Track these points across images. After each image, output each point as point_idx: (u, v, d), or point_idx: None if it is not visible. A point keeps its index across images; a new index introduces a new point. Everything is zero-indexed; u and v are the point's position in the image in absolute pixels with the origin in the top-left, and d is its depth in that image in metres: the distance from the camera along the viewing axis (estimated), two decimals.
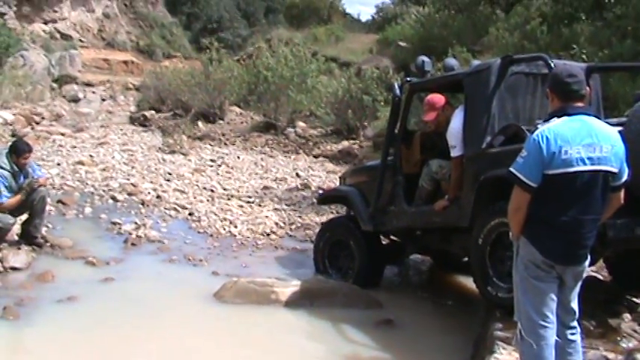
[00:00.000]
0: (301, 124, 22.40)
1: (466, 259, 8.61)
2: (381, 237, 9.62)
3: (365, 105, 19.85)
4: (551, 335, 4.90)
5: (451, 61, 8.85)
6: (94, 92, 36.55)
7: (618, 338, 6.83)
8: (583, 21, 18.21)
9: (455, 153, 7.88)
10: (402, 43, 27.71)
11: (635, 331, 7.03)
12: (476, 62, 8.76)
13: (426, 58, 8.77)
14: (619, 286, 8.34)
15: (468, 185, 7.78)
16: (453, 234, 8.38)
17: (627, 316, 7.40)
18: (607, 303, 7.70)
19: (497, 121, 7.60)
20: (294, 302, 8.40)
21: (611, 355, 6.37)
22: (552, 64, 7.00)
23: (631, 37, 16.05)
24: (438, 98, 8.56)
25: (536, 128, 6.79)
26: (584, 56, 15.42)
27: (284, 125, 22.15)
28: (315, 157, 19.53)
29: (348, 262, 9.44)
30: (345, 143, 19.79)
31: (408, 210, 8.66)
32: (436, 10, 28.30)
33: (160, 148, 19.75)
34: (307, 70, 23.16)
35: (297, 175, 16.79)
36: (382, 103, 19.35)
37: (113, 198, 13.55)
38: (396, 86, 8.92)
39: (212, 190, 14.55)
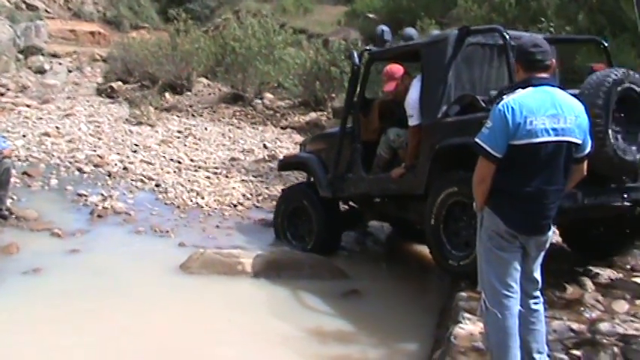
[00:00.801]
0: (269, 95, 22.31)
1: None
2: (340, 203, 9.70)
3: (332, 77, 19.78)
4: (514, 305, 4.93)
5: (410, 30, 8.87)
6: (60, 63, 36.03)
7: (582, 308, 6.90)
8: None
9: (412, 122, 7.99)
10: (370, 15, 27.62)
11: (598, 302, 7.11)
12: (435, 32, 8.81)
13: (385, 28, 8.85)
14: (569, 248, 8.67)
15: (424, 154, 7.90)
16: (409, 202, 8.49)
17: (591, 286, 7.48)
18: (571, 274, 7.78)
19: (453, 90, 7.74)
20: (261, 273, 8.44)
21: (574, 325, 6.42)
22: (507, 36, 7.15)
23: (597, 11, 16.13)
24: (396, 68, 8.65)
25: (491, 98, 6.91)
26: (551, 29, 15.47)
27: (251, 97, 22.05)
28: (283, 128, 19.48)
29: (307, 228, 9.56)
30: (313, 115, 19.73)
31: (366, 177, 8.78)
32: None
33: (127, 120, 19.57)
34: (275, 42, 23.02)
35: (265, 146, 16.76)
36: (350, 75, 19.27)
37: (79, 170, 13.49)
38: (355, 55, 9.00)
39: (179, 162, 14.51)
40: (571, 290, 7.35)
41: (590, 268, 7.94)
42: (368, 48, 9.21)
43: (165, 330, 6.89)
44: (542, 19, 16.21)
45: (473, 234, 6.77)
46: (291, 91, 21.38)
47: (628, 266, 8.41)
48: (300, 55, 21.72)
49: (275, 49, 22.85)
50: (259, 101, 21.86)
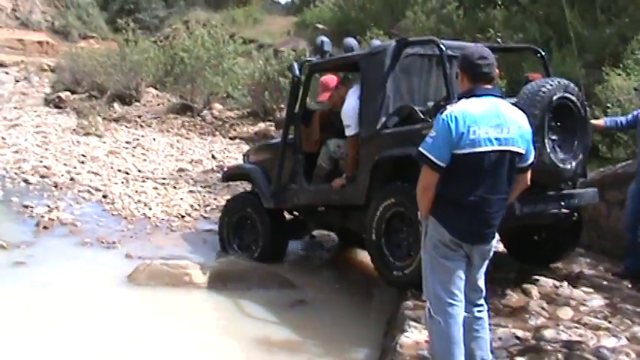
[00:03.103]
0: (218, 105, 22.26)
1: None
2: (285, 213, 9.73)
3: (281, 87, 19.80)
4: (459, 313, 4.97)
5: (350, 41, 8.93)
6: (7, 73, 35.59)
7: (527, 316, 6.98)
8: (499, 6, 18.48)
9: (349, 132, 8.07)
10: (319, 26, 27.70)
11: (543, 309, 7.19)
12: (376, 43, 8.88)
13: (325, 39, 8.93)
14: (514, 259, 8.82)
15: (364, 165, 7.96)
16: (351, 212, 8.56)
17: (536, 294, 7.57)
18: (517, 282, 7.86)
19: (391, 101, 7.80)
20: (208, 284, 8.45)
21: (519, 333, 6.49)
22: (443, 47, 7.25)
23: (544, 21, 16.36)
24: (330, 79, 8.85)
25: (428, 109, 7.00)
26: (498, 40, 15.64)
27: (200, 107, 21.99)
28: (232, 139, 19.44)
29: (253, 237, 9.56)
30: (262, 125, 19.74)
31: (308, 188, 8.83)
32: None
33: (74, 130, 19.40)
34: (224, 52, 22.99)
35: (213, 157, 16.72)
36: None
37: (25, 181, 13.35)
38: (295, 66, 9.04)
39: (127, 172, 14.42)
40: (516, 298, 7.43)
41: (536, 276, 8.03)
42: (308, 59, 9.31)
43: (111, 342, 6.82)
44: (490, 29, 16.39)
45: (414, 243, 6.86)
46: (239, 101, 21.40)
47: (573, 273, 8.55)
48: (249, 66, 21.70)
49: (224, 59, 22.82)
50: (208, 112, 21.79)
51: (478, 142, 4.75)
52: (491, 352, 5.43)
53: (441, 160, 4.77)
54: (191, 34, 24.76)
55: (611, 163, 10.44)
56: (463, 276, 5.00)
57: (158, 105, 23.69)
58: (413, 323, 6.30)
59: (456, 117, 4.76)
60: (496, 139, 4.80)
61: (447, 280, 4.94)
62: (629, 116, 8.74)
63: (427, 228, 5.02)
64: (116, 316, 7.49)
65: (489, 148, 4.78)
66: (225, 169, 11.90)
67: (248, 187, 11.41)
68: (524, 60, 13.65)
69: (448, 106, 4.94)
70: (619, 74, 11.63)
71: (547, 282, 7.92)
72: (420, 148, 4.86)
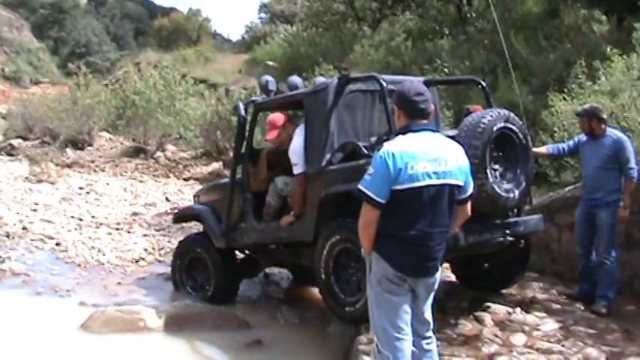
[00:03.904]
0: (171, 147, 22.28)
1: None
2: (237, 252, 9.74)
3: (233, 126, 19.76)
4: (407, 347, 5.00)
5: (294, 79, 9.01)
6: None
7: (480, 344, 7.03)
8: (446, 36, 18.70)
9: (297, 170, 8.14)
10: (270, 63, 27.87)
11: (497, 336, 7.26)
12: (320, 80, 8.95)
13: (270, 78, 9.02)
14: (463, 285, 8.96)
15: (310, 202, 8.03)
16: (301, 248, 8.59)
17: (489, 322, 7.63)
18: (470, 310, 7.92)
19: (336, 138, 7.89)
20: (163, 328, 8.36)
21: None
22: (384, 83, 7.38)
23: (489, 50, 16.58)
24: (278, 117, 8.86)
25: (371, 144, 7.08)
26: (445, 69, 15.85)
27: (154, 149, 21.98)
28: (186, 180, 19.41)
29: (205, 278, 9.56)
30: (215, 165, 19.74)
31: (257, 226, 8.86)
32: (304, 28, 28.62)
33: (26, 178, 19.20)
34: (176, 93, 23.00)
35: (167, 199, 16.66)
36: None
37: None
38: (241, 106, 9.10)
39: (80, 219, 14.28)
40: (470, 327, 7.49)
41: (489, 303, 8.09)
42: (253, 99, 9.36)
43: None
44: (437, 60, 16.57)
45: (363, 278, 6.88)
46: (192, 142, 21.36)
47: (526, 298, 8.62)
48: (200, 106, 21.71)
49: (176, 100, 22.82)
50: (161, 154, 21.80)
51: (416, 177, 4.81)
52: None
53: (381, 196, 4.82)
54: (142, 76, 24.76)
55: (560, 187, 10.58)
56: (409, 310, 5.04)
57: (111, 149, 23.62)
58: (367, 358, 6.30)
59: (393, 153, 4.82)
60: (434, 172, 4.86)
61: (394, 314, 4.97)
62: (571, 142, 8.91)
63: (371, 264, 5.06)
64: None
65: (428, 182, 4.84)
66: (176, 211, 11.92)
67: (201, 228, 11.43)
68: (470, 89, 13.80)
69: (385, 143, 5.00)
70: (564, 99, 11.79)
71: (500, 309, 8.00)
72: (360, 186, 4.92)
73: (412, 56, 19.04)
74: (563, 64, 14.39)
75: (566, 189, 9.99)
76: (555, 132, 11.18)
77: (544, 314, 8.03)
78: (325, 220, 7.83)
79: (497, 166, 7.40)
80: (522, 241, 8.29)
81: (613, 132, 8.40)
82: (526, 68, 14.94)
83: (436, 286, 5.20)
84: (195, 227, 12.17)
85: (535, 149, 8.53)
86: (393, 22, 21.63)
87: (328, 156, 7.83)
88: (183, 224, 12.48)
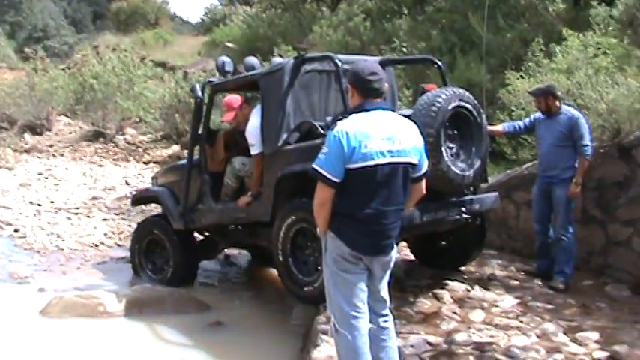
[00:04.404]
0: (130, 130, 22.08)
1: None
2: (196, 233, 9.75)
3: (192, 108, 19.66)
4: (364, 325, 5.02)
5: (251, 60, 8.99)
6: None
7: (439, 321, 7.08)
8: (405, 15, 18.69)
9: (254, 151, 8.16)
10: (229, 45, 27.71)
11: (455, 313, 7.32)
12: (276, 61, 8.96)
13: (226, 59, 9.01)
14: (420, 263, 9.06)
15: (267, 182, 8.06)
16: (259, 229, 8.62)
17: (448, 299, 7.69)
18: (429, 288, 7.98)
19: (292, 118, 7.92)
20: (123, 312, 8.37)
21: (432, 338, 6.60)
22: (339, 63, 7.41)
23: (448, 29, 16.62)
24: (234, 99, 8.93)
25: (327, 124, 7.10)
26: (404, 49, 15.86)
27: (113, 133, 21.77)
28: (146, 163, 19.28)
29: (164, 260, 9.57)
30: (175, 148, 19.61)
31: (215, 207, 8.87)
32: (263, 9, 28.48)
33: None
34: (135, 76, 22.81)
35: (127, 183, 16.53)
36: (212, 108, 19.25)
37: None
38: (197, 87, 9.10)
39: (39, 205, 14.13)
40: (429, 304, 7.55)
41: (448, 281, 8.16)
42: (209, 80, 9.34)
43: None
44: (396, 39, 16.57)
45: (320, 257, 6.93)
46: (152, 125, 21.18)
47: (485, 275, 8.70)
48: (160, 89, 21.54)
49: (135, 83, 22.63)
50: (121, 137, 21.60)
51: (370, 156, 4.82)
52: (402, 359, 5.50)
53: (335, 175, 4.83)
54: (101, 59, 24.52)
55: (517, 165, 10.67)
56: (365, 288, 5.05)
57: (70, 133, 23.34)
58: (326, 337, 6.33)
59: (347, 132, 4.82)
60: (388, 151, 4.87)
61: (350, 293, 4.99)
62: (527, 120, 8.98)
63: (326, 243, 5.07)
64: (30, 352, 7.34)
65: (382, 160, 4.85)
66: (134, 193, 11.89)
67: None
68: (429, 69, 13.83)
69: (339, 123, 5.01)
70: (521, 77, 11.86)
71: (459, 286, 8.07)
72: (314, 165, 4.92)
73: (371, 36, 19.02)
74: (520, 43, 14.46)
75: (524, 167, 10.07)
76: (513, 110, 11.25)
77: (502, 291, 8.11)
78: (282, 200, 7.86)
79: (452, 145, 7.45)
80: (479, 218, 8.37)
81: (568, 110, 8.47)
82: (484, 47, 14.98)
83: (392, 264, 5.22)
84: (155, 210, 12.13)
85: (491, 127, 8.60)
86: (351, 2, 21.51)
87: (285, 136, 7.85)
88: (144, 207, 12.45)
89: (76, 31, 57.29)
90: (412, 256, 9.27)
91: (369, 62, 5.40)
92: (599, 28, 11.88)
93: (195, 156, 9.16)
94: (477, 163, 7.60)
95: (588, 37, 11.59)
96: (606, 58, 10.95)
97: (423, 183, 5.27)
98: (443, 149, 7.20)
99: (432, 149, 6.75)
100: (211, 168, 9.06)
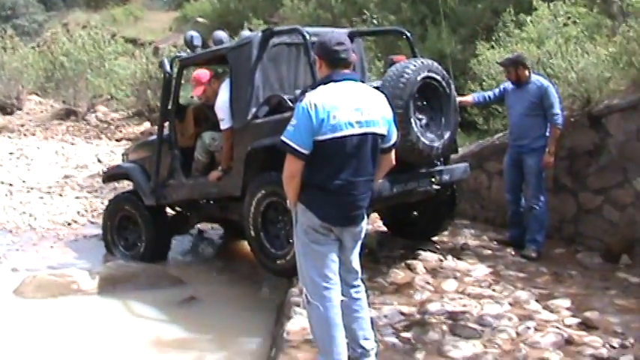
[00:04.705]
0: (102, 108, 21.90)
1: None
2: (168, 209, 9.76)
3: None
4: (335, 296, 5.03)
5: (219, 34, 8.97)
6: None
7: (412, 292, 7.14)
8: None
9: (224, 125, 8.16)
10: (200, 20, 27.49)
11: (429, 283, 7.38)
12: (245, 34, 8.93)
13: (195, 33, 8.99)
14: (392, 234, 9.11)
15: (237, 156, 8.07)
16: (230, 203, 8.63)
17: (421, 269, 7.74)
18: (402, 259, 8.02)
19: (261, 92, 7.93)
20: (97, 290, 8.38)
21: (405, 309, 6.66)
22: (307, 35, 7.40)
23: (419, 1, 16.57)
24: (203, 73, 8.91)
25: (296, 97, 7.11)
26: (375, 21, 15.82)
27: (84, 111, 21.57)
28: (118, 140, 19.11)
29: (136, 236, 9.59)
30: (147, 125, 19.47)
31: (186, 182, 8.90)
32: None
33: None
34: (105, 53, 22.63)
35: (99, 160, 16.39)
36: (182, 83, 19.16)
37: None
38: (166, 62, 9.08)
39: (10, 184, 13.98)
40: (402, 275, 7.60)
41: (421, 251, 8.20)
42: (178, 55, 9.31)
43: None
44: (367, 11, 16.51)
45: (291, 229, 6.97)
46: (123, 102, 21.03)
47: (458, 245, 8.76)
48: (131, 66, 21.39)
49: (106, 60, 22.45)
50: (92, 115, 21.42)
51: (339, 127, 4.81)
52: (374, 330, 5.53)
53: (304, 147, 4.82)
54: (71, 37, 24.29)
55: (489, 135, 10.72)
56: (336, 259, 5.07)
57: (41, 112, 23.11)
58: (299, 309, 6.36)
59: (315, 104, 4.81)
60: (357, 122, 4.86)
61: (321, 264, 5.00)
62: (496, 90, 9.03)
63: (296, 215, 5.07)
64: (4, 331, 7.31)
65: (350, 131, 4.84)
66: (105, 170, 11.86)
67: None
68: (400, 40, 13.81)
69: (307, 94, 5.00)
70: (492, 47, 11.87)
71: (432, 256, 8.14)
72: (283, 137, 4.91)
73: (342, 9, 18.91)
74: (491, 14, 14.45)
75: (495, 136, 10.12)
76: (484, 80, 11.25)
77: (475, 260, 8.18)
78: (252, 174, 7.86)
79: (421, 116, 7.47)
80: (449, 189, 8.41)
81: (537, 79, 8.51)
82: (455, 18, 14.97)
83: (362, 235, 5.23)
84: (128, 187, 12.09)
85: (461, 98, 8.62)
86: None
87: (254, 110, 7.85)
88: (116, 185, 12.42)
89: (45, 9, 56.47)
90: (384, 228, 9.29)
91: (335, 33, 5.40)
92: None
93: (165, 131, 9.12)
94: (447, 134, 7.63)
95: (558, 7, 11.62)
96: (576, 28, 11.00)
97: (392, 154, 5.27)
98: (412, 120, 7.21)
99: (402, 120, 6.77)
100: (181, 143, 9.04)
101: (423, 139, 7.31)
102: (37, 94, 24.62)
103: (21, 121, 21.77)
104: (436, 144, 7.47)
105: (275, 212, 7.68)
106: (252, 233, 7.82)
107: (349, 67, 5.07)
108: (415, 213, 8.83)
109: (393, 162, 5.33)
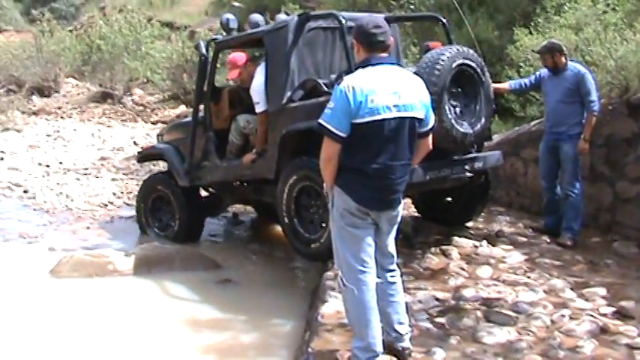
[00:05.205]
0: (138, 91, 22.10)
1: None
2: (201, 190, 9.84)
3: None
4: (371, 280, 5.03)
5: (255, 17, 8.99)
6: None
7: (447, 277, 7.11)
8: None
9: (259, 108, 8.19)
10: (236, 4, 27.48)
11: (463, 269, 7.35)
12: (281, 17, 8.93)
13: (231, 16, 9.01)
14: (425, 220, 9.09)
15: (272, 140, 8.09)
16: (264, 185, 8.67)
17: (456, 255, 7.71)
18: (437, 244, 8.00)
19: (297, 76, 7.94)
20: (132, 271, 8.45)
21: (439, 294, 6.64)
22: (343, 20, 7.40)
23: None
24: (239, 56, 8.93)
25: (331, 81, 7.11)
26: (412, 6, 15.73)
27: (121, 94, 21.76)
28: (154, 123, 19.26)
29: (169, 217, 9.67)
30: (183, 108, 19.58)
31: (220, 164, 8.94)
32: None
33: None
34: (142, 37, 22.77)
35: (135, 143, 16.56)
36: (218, 65, 19.20)
37: None
38: (202, 45, 9.11)
39: (48, 165, 14.21)
40: (437, 261, 7.58)
41: (456, 237, 8.18)
42: (214, 37, 9.35)
43: (36, 335, 6.75)
44: None
45: (324, 214, 7.00)
46: (159, 85, 21.16)
47: (493, 232, 8.72)
48: (167, 49, 21.50)
49: (142, 44, 22.59)
50: (129, 98, 21.60)
51: (377, 110, 4.80)
52: (409, 314, 5.53)
53: (341, 130, 4.81)
54: (107, 20, 24.45)
55: (526, 122, 10.64)
56: (372, 243, 5.06)
57: (78, 95, 23.33)
58: (334, 293, 6.37)
59: (353, 87, 4.80)
60: (394, 105, 4.85)
61: (357, 248, 5.00)
62: (532, 77, 8.95)
63: (333, 198, 5.06)
64: (40, 310, 7.39)
65: (388, 115, 4.82)
66: (139, 150, 11.94)
67: None
68: (436, 26, 13.74)
69: (345, 77, 4.99)
70: (530, 33, 11.78)
71: (467, 242, 8.10)
72: (320, 120, 4.90)
73: None
74: (528, 0, 14.34)
75: (532, 123, 10.05)
76: (521, 67, 11.18)
77: (510, 247, 8.13)
78: (286, 157, 7.89)
79: (455, 103, 7.45)
80: (483, 176, 8.38)
81: (574, 65, 8.43)
82: (492, 4, 14.87)
83: (399, 219, 5.22)
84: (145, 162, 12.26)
85: (496, 85, 8.55)
86: None
87: (289, 94, 7.87)
88: (152, 168, 12.50)
89: None
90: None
91: (373, 16, 5.36)
92: None
93: (201, 113, 9.16)
94: (481, 122, 7.60)
95: None
96: (615, 15, 10.86)
97: (430, 138, 5.25)
98: (446, 107, 7.20)
99: (436, 107, 6.72)
100: (216, 125, 9.11)
101: (456, 126, 7.30)
102: (74, 77, 24.86)
103: (58, 104, 21.99)
104: (470, 131, 7.45)
105: (308, 197, 7.70)
106: (286, 220, 7.86)
107: (387, 50, 5.04)
108: (449, 199, 8.81)
109: (430, 146, 5.32)
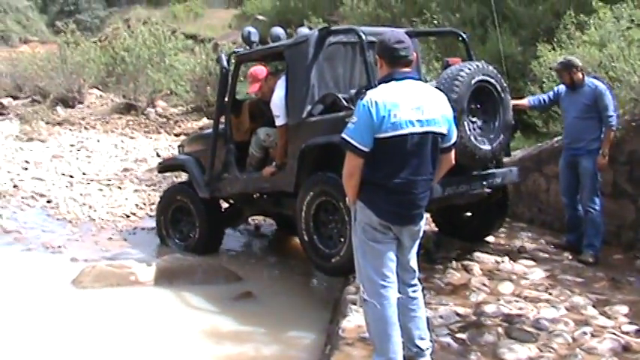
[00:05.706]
0: (161, 103, 22.17)
1: None
2: (221, 201, 9.89)
3: None
4: (392, 295, 5.04)
5: (277, 30, 9.07)
6: None
7: (468, 293, 7.10)
8: None
9: (279, 122, 8.25)
10: (260, 17, 27.62)
11: (485, 285, 7.34)
12: (302, 31, 8.98)
13: (252, 29, 9.10)
14: (444, 235, 9.11)
15: (291, 153, 8.15)
16: (283, 198, 8.72)
17: (478, 271, 7.70)
18: (459, 260, 8.00)
19: (317, 90, 7.99)
20: (153, 282, 8.47)
21: (461, 310, 6.63)
22: (363, 35, 7.45)
23: (480, 1, 16.46)
24: (259, 70, 8.95)
25: (351, 96, 7.15)
26: (435, 22, 15.76)
27: (144, 105, 21.84)
28: (177, 135, 19.28)
29: (189, 228, 9.73)
30: (206, 120, 19.62)
31: (240, 176, 9.01)
32: None
33: (17, 137, 18.99)
34: (166, 49, 22.88)
35: (158, 154, 16.60)
36: (241, 78, 19.28)
37: None
38: (223, 57, 9.20)
39: (71, 176, 14.27)
40: (458, 276, 7.58)
41: (478, 253, 8.17)
42: (235, 50, 9.43)
43: (57, 346, 6.78)
44: (427, 12, 16.45)
45: (343, 228, 7.02)
46: (182, 97, 21.27)
47: (515, 248, 8.70)
48: (190, 61, 21.61)
49: (166, 56, 22.70)
50: (152, 110, 21.67)
51: (399, 125, 4.82)
52: (430, 329, 5.53)
53: (364, 145, 4.84)
54: (132, 32, 24.59)
55: (548, 138, 10.61)
56: (394, 258, 5.07)
57: (102, 106, 23.47)
58: (355, 307, 6.38)
59: (376, 102, 4.83)
60: (417, 120, 4.87)
61: (379, 263, 5.01)
62: (551, 93, 8.97)
63: (355, 213, 5.09)
64: (62, 320, 7.44)
65: (411, 130, 4.85)
66: (160, 161, 12.01)
67: None
68: (459, 42, 13.75)
69: (368, 92, 5.02)
70: (553, 49, 11.76)
71: (488, 258, 8.11)
72: (343, 135, 4.93)
73: (402, 9, 18.87)
74: (552, 15, 14.32)
75: (554, 139, 10.02)
76: (544, 83, 11.16)
77: (532, 263, 8.12)
78: (305, 171, 7.94)
79: (475, 119, 7.48)
80: (501, 191, 8.40)
81: (592, 81, 8.44)
82: (515, 19, 14.88)
83: (421, 234, 5.24)
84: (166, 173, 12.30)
85: (516, 101, 8.54)
86: None
87: (309, 108, 7.93)
88: (175, 179, 12.54)
89: (107, 5, 57.25)
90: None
91: (395, 32, 5.41)
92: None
93: (221, 125, 9.21)
94: (500, 138, 7.63)
95: (622, 9, 11.46)
96: (639, 31, 10.83)
97: (452, 153, 5.27)
98: (465, 123, 7.24)
99: (455, 123, 6.77)
100: (236, 138, 9.19)
101: (475, 142, 7.34)
102: (98, 88, 25.01)
103: (82, 115, 22.11)
104: (489, 147, 7.47)
105: (325, 213, 7.75)
106: (306, 237, 7.91)
107: (409, 65, 5.07)
108: (468, 214, 8.82)
109: (453, 162, 5.33)
